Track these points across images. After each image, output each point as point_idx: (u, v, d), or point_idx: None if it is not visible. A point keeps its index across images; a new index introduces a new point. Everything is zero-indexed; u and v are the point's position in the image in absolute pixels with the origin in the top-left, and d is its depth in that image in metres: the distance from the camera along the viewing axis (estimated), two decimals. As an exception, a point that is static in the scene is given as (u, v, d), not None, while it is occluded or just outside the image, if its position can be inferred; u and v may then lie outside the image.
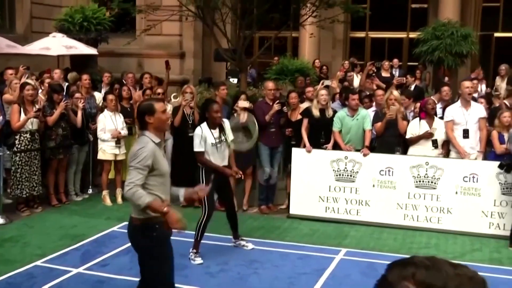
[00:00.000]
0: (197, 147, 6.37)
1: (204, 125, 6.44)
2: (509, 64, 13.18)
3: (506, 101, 9.84)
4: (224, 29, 11.41)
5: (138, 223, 4.24)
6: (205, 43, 16.51)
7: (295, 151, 8.53)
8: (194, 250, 6.33)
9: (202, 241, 6.54)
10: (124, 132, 8.88)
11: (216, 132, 6.53)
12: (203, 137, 6.35)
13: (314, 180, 8.57)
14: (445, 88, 9.85)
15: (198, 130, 6.35)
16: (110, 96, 8.92)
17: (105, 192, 8.93)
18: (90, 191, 9.50)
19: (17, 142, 8.05)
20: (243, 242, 6.99)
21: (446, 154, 8.38)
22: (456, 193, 7.93)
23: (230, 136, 7.53)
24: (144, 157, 4.10)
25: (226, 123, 7.36)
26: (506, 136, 7.76)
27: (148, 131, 4.29)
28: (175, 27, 15.44)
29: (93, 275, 6.04)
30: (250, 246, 7.13)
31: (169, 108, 8.96)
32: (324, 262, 6.61)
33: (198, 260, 6.46)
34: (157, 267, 4.36)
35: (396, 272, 1.17)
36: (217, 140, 6.60)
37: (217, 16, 11.39)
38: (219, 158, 6.44)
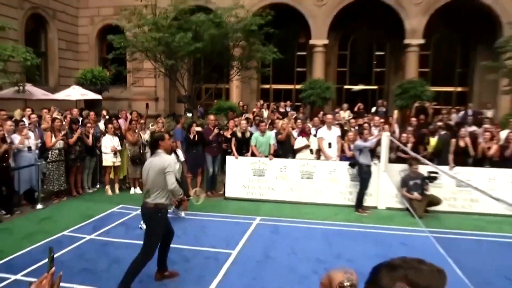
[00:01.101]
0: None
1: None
2: (350, 103, 16.19)
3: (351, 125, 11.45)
4: (182, 82, 13.36)
5: (152, 206, 4.87)
6: (171, 92, 18.76)
7: (228, 158, 9.90)
8: None
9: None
10: (119, 147, 10.10)
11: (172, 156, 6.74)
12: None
13: (240, 175, 9.84)
14: (315, 119, 11.43)
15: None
16: (110, 125, 10.20)
17: (107, 187, 10.20)
18: (97, 186, 10.64)
19: (49, 155, 9.14)
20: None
21: (318, 157, 9.97)
22: (325, 180, 9.57)
23: (181, 157, 9.08)
24: (172, 165, 4.90)
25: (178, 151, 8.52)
26: (351, 146, 9.45)
27: (160, 149, 4.96)
28: (152, 81, 17.76)
29: (100, 239, 6.81)
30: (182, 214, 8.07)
31: (148, 132, 10.47)
32: (247, 225, 7.69)
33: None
34: (159, 234, 4.97)
35: (387, 275, 1.17)
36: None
37: (178, 75, 13.25)
38: None
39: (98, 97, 15.83)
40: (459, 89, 20.96)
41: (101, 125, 11.11)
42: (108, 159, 10.08)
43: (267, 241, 6.97)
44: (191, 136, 9.94)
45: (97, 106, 15.21)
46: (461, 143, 9.55)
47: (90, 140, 10.00)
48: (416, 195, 8.83)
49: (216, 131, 10.10)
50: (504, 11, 17.19)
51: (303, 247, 6.72)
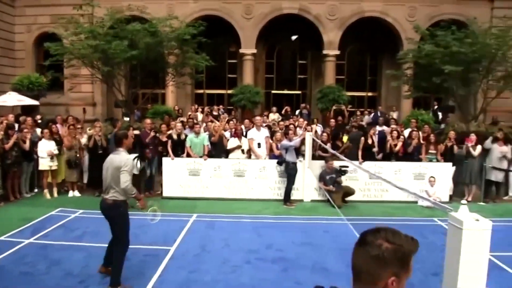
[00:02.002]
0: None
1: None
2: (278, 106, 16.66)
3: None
4: (119, 88, 12.97)
5: (111, 202, 4.78)
6: (108, 97, 17.90)
7: (164, 159, 9.69)
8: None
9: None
10: (55, 151, 9.49)
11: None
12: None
13: (176, 175, 9.65)
14: (246, 121, 11.33)
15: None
16: (46, 130, 9.62)
17: (45, 190, 9.59)
18: (36, 190, 10.00)
19: (-15, 161, 8.29)
20: None
21: (249, 157, 9.95)
22: (255, 178, 9.64)
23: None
24: (129, 164, 4.72)
25: None
26: (279, 145, 9.54)
27: (123, 148, 4.86)
28: (89, 87, 17.14)
29: (39, 243, 6.41)
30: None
31: (86, 136, 10.01)
32: (184, 222, 7.56)
33: None
34: (125, 228, 4.91)
35: (371, 235, 1.34)
36: None
37: (115, 80, 12.82)
38: None
39: (35, 102, 15.02)
40: (369, 94, 22.11)
41: (38, 130, 10.53)
42: (44, 163, 9.50)
43: (203, 236, 6.93)
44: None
45: (35, 111, 14.30)
46: (369, 141, 10.00)
47: (27, 145, 9.36)
48: (331, 187, 9.16)
49: (152, 134, 9.88)
50: (402, 29, 18.49)
51: (236, 240, 6.75)
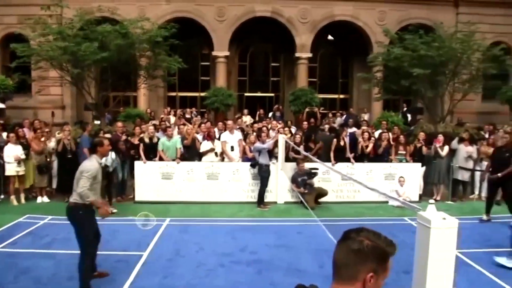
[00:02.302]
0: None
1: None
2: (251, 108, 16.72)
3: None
4: (89, 90, 12.66)
5: (72, 205, 4.78)
6: (78, 99, 17.54)
7: (137, 163, 9.54)
8: None
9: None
10: (23, 156, 9.19)
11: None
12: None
13: (149, 179, 9.49)
14: (219, 123, 11.12)
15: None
16: (12, 134, 9.34)
17: (12, 197, 9.29)
18: (1, 196, 9.59)
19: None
20: None
21: (222, 159, 9.93)
22: (229, 180, 9.58)
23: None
24: (91, 171, 4.71)
25: None
26: (252, 148, 9.54)
27: (96, 155, 4.92)
28: (58, 90, 16.61)
29: (6, 251, 6.21)
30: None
31: (54, 140, 9.74)
32: (157, 227, 7.13)
33: None
34: (83, 231, 4.82)
35: (354, 233, 1.41)
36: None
37: (85, 83, 12.52)
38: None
39: (1, 106, 14.57)
40: (341, 96, 22.46)
41: (5, 134, 10.13)
42: (11, 169, 9.20)
43: (177, 240, 6.86)
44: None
45: (0, 115, 13.91)
46: (341, 143, 10.14)
47: (-9, 150, 8.98)
48: (302, 189, 9.23)
49: (124, 137, 9.75)
50: (372, 32, 18.92)
51: (210, 243, 6.72)
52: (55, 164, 9.87)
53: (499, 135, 9.90)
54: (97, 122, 12.56)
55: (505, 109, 16.33)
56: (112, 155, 8.26)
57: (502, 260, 5.82)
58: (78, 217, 4.79)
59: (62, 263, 5.67)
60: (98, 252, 5.28)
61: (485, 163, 9.93)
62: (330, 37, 19.90)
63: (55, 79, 13.55)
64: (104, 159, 7.16)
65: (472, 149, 10.17)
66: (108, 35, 12.01)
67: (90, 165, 4.78)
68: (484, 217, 8.16)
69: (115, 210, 7.93)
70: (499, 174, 7.84)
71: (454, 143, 10.44)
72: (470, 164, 10.14)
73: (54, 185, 10.05)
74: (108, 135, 9.52)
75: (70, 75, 12.51)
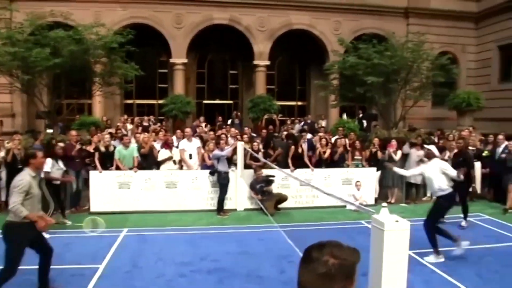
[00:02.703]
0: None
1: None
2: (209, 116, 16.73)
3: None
4: (41, 98, 12.25)
5: (7, 223, 4.63)
6: (29, 107, 16.60)
7: (92, 173, 9.25)
8: None
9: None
10: None
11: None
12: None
13: (105, 189, 9.21)
14: (177, 131, 10.92)
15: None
16: None
17: None
18: None
19: None
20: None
21: (181, 168, 9.83)
22: (188, 189, 9.48)
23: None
24: (21, 185, 4.53)
25: None
26: (211, 155, 9.41)
27: (29, 168, 4.75)
28: (7, 97, 15.82)
29: None
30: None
31: (4, 150, 9.19)
32: (114, 238, 7.16)
33: None
34: (10, 251, 4.61)
35: (317, 251, 1.36)
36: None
37: (36, 90, 12.14)
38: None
39: None
40: (299, 103, 22.85)
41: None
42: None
43: (135, 251, 6.68)
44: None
45: None
46: (299, 149, 10.28)
47: None
48: (259, 196, 9.30)
49: (78, 146, 9.44)
50: (328, 41, 19.46)
51: (169, 253, 6.61)
52: (3, 175, 9.34)
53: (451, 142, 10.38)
54: (49, 130, 11.99)
55: (453, 115, 17.20)
56: (49, 162, 7.68)
57: (430, 259, 6.17)
58: (10, 237, 4.59)
59: (12, 280, 5.34)
60: (51, 267, 5.08)
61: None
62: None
63: (4, 86, 12.94)
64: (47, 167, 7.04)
65: (423, 153, 10.58)
66: (61, 41, 11.65)
67: (21, 179, 4.59)
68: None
69: (69, 222, 7.68)
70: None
71: (406, 147, 10.87)
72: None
73: (3, 198, 9.50)
74: (61, 144, 9.27)
75: (21, 81, 11.99)
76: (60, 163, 8.12)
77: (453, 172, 6.46)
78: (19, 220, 4.53)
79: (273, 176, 9.52)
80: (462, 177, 6.58)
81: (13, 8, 12.61)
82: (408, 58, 13.26)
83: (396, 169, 7.70)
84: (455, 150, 8.95)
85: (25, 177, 4.64)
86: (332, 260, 1.33)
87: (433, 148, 7.02)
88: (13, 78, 12.08)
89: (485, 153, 10.68)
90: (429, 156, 6.74)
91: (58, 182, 8.07)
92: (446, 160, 10.02)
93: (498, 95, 18.92)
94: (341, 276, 1.34)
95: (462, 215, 8.33)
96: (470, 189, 9.00)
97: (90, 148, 9.63)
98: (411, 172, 7.77)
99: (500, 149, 10.23)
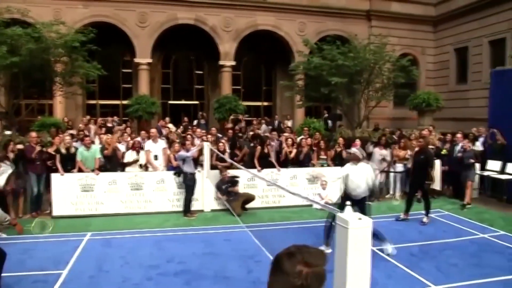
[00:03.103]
0: None
1: None
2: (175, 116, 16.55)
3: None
4: (-3, 98, 11.72)
5: None
6: None
7: (53, 176, 8.95)
8: None
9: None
10: None
11: None
12: None
13: (67, 192, 8.94)
14: (142, 132, 10.95)
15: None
16: None
17: None
18: None
19: None
20: None
21: (146, 169, 9.67)
22: (153, 190, 9.31)
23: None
24: None
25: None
26: (176, 156, 9.27)
27: None
28: (-39, 97, 14.87)
29: None
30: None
31: None
32: (77, 243, 7.02)
33: None
34: None
35: (288, 261, 1.32)
36: None
37: (-9, 90, 11.45)
38: None
39: None
40: (265, 103, 23.01)
41: None
42: None
43: (99, 255, 6.54)
44: (11, 155, 8.75)
45: None
46: (265, 150, 10.35)
47: None
48: (224, 197, 9.36)
49: (38, 148, 9.08)
50: (294, 42, 19.70)
51: (136, 256, 6.52)
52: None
53: (412, 141, 10.75)
54: (7, 132, 11.51)
55: (414, 114, 17.80)
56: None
57: (388, 250, 6.40)
58: None
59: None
60: (12, 274, 4.96)
61: (398, 165, 10.77)
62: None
63: (-43, 85, 12.28)
64: None
65: (386, 152, 10.93)
66: (19, 39, 11.25)
67: None
68: (402, 215, 8.73)
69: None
70: (426, 185, 8.61)
71: (368, 146, 11.18)
72: (384, 166, 10.87)
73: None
74: (20, 146, 9.04)
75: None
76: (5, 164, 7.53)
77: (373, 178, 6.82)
78: None
79: (238, 177, 9.55)
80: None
81: (-34, 4, 12.04)
82: (371, 59, 13.61)
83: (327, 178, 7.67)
84: (416, 149, 9.24)
85: None
86: (305, 270, 1.33)
87: (359, 150, 7.15)
88: (-33, 77, 11.52)
89: (443, 152, 11.12)
90: (355, 158, 6.79)
91: None
92: (407, 159, 10.47)
93: (456, 96, 19.78)
94: (316, 283, 1.35)
95: (424, 212, 8.62)
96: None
97: (51, 150, 9.32)
98: (336, 176, 7.41)
99: (458, 147, 10.67)
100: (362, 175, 6.64)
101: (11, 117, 12.37)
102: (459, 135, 11.00)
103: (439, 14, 21.41)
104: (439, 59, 21.74)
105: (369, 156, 10.94)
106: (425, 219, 8.54)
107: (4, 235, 7.20)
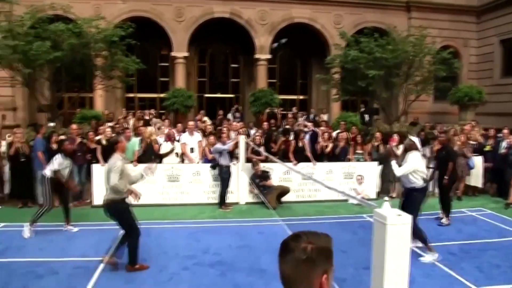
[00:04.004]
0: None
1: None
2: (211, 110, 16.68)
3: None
4: (42, 91, 12.35)
5: (107, 202, 5.45)
6: (31, 101, 16.51)
7: (94, 166, 9.32)
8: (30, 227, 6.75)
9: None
10: None
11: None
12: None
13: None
14: (178, 125, 11.26)
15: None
16: None
17: None
18: None
19: None
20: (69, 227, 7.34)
21: (182, 161, 9.90)
22: (190, 182, 9.54)
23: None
24: (118, 166, 5.38)
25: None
26: (212, 149, 9.49)
27: (116, 152, 5.60)
28: (9, 90, 15.66)
29: None
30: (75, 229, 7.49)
31: (4, 143, 9.47)
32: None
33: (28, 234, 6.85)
34: (125, 222, 5.54)
35: (293, 241, 1.39)
36: None
37: (37, 84, 12.20)
38: None
39: None
40: (301, 97, 22.83)
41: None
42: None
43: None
44: (54, 146, 9.14)
45: None
46: (300, 143, 10.29)
47: None
48: (256, 190, 9.37)
49: (79, 139, 9.49)
50: (330, 35, 19.38)
51: (172, 246, 6.67)
52: (6, 169, 9.44)
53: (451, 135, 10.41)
54: (51, 124, 11.96)
55: (455, 109, 17.19)
56: (58, 158, 7.48)
57: (426, 259, 6.05)
58: (118, 210, 5.45)
59: (16, 273, 5.48)
60: (56, 259, 5.35)
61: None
62: (282, 40, 20.15)
63: (5, 79, 12.90)
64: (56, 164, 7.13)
65: (425, 148, 10.62)
66: (62, 34, 11.62)
67: (114, 162, 5.41)
68: (444, 220, 8.18)
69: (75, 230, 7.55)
70: (445, 180, 8.15)
71: (406, 142, 10.85)
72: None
73: (7, 191, 9.59)
74: (63, 137, 9.34)
75: (22, 75, 11.96)
76: (68, 161, 7.69)
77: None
78: (118, 196, 5.39)
79: (268, 171, 9.59)
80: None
81: (13, 1, 12.53)
82: (410, 52, 13.24)
83: (394, 165, 6.92)
84: (437, 145, 8.89)
85: (117, 161, 5.43)
86: (310, 246, 1.37)
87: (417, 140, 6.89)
88: (14, 71, 12.08)
89: (487, 148, 10.70)
90: (415, 148, 6.58)
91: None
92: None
93: (500, 90, 18.91)
94: (322, 258, 1.39)
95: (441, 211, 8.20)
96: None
97: (91, 144, 9.65)
98: (402, 171, 6.61)
99: (504, 144, 10.23)
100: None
101: (54, 109, 12.89)
102: (505, 131, 10.50)
103: (482, 4, 20.45)
104: (482, 51, 20.82)
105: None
106: (444, 220, 8.08)
107: (75, 229, 7.50)
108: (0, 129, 10.58)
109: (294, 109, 17.41)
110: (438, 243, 6.66)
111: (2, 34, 11.46)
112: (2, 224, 7.73)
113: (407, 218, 2.70)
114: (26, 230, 6.94)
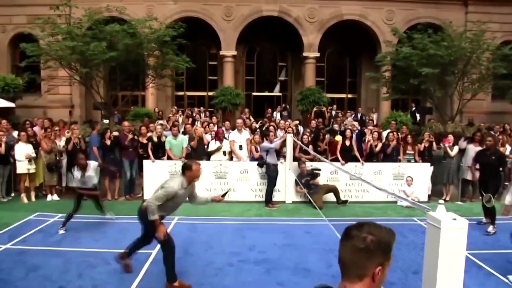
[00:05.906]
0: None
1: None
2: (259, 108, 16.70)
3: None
4: (98, 90, 12.89)
5: (145, 209, 4.77)
6: (87, 99, 17.59)
7: (145, 162, 9.61)
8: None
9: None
10: (33, 155, 9.32)
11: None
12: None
13: (157, 178, 8.84)
14: (226, 123, 11.30)
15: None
16: (23, 133, 9.44)
17: (23, 195, 9.36)
18: (12, 194, 9.70)
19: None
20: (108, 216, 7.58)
21: (230, 159, 10.02)
22: (237, 180, 9.62)
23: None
24: (169, 192, 4.70)
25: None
26: (259, 147, 9.60)
27: (183, 176, 4.86)
28: (67, 89, 16.58)
29: (16, 248, 6.26)
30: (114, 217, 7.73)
31: (64, 139, 9.89)
32: (166, 225, 6.25)
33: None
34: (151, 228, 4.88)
35: (356, 229, 1.45)
36: None
37: (94, 82, 12.73)
38: None
39: (11, 105, 14.44)
40: (349, 95, 22.38)
41: (15, 133, 10.19)
42: (22, 167, 9.26)
43: (185, 238, 6.81)
44: (108, 142, 9.59)
45: (11, 114, 13.88)
46: (347, 142, 10.08)
47: (2, 149, 9.12)
48: (304, 190, 9.24)
49: (130, 136, 9.81)
50: (381, 32, 18.82)
51: (219, 242, 6.74)
52: (64, 163, 9.94)
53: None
54: (105, 121, 12.53)
55: (515, 109, 16.20)
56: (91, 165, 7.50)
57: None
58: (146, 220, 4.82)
59: (72, 261, 5.74)
60: (110, 250, 5.48)
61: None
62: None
63: (64, 78, 13.65)
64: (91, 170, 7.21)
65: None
66: (117, 35, 12.13)
67: (171, 186, 4.74)
68: (491, 229, 7.49)
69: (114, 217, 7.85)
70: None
71: (461, 142, 10.37)
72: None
73: (64, 183, 10.15)
74: (116, 133, 9.75)
75: (79, 74, 12.62)
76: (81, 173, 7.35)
77: None
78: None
79: (319, 170, 9.42)
80: None
81: (72, 5, 13.24)
82: (467, 48, 12.59)
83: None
84: (478, 147, 8.39)
85: (176, 185, 4.75)
86: (370, 237, 1.42)
87: None
88: (72, 71, 12.71)
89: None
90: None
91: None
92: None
93: None
94: (380, 251, 1.42)
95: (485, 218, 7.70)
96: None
97: (143, 138, 9.95)
98: None
99: None
100: None
101: (109, 107, 13.47)
102: None
103: (549, -5, 19.04)
104: (548, 46, 19.36)
105: (462, 153, 10.21)
106: (490, 229, 7.41)
107: (114, 216, 7.83)
108: (69, 125, 11.16)
109: (334, 107, 17.07)
110: (494, 251, 6.30)
111: (62, 36, 12.12)
112: (60, 215, 8.08)
113: (463, 222, 2.55)
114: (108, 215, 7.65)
